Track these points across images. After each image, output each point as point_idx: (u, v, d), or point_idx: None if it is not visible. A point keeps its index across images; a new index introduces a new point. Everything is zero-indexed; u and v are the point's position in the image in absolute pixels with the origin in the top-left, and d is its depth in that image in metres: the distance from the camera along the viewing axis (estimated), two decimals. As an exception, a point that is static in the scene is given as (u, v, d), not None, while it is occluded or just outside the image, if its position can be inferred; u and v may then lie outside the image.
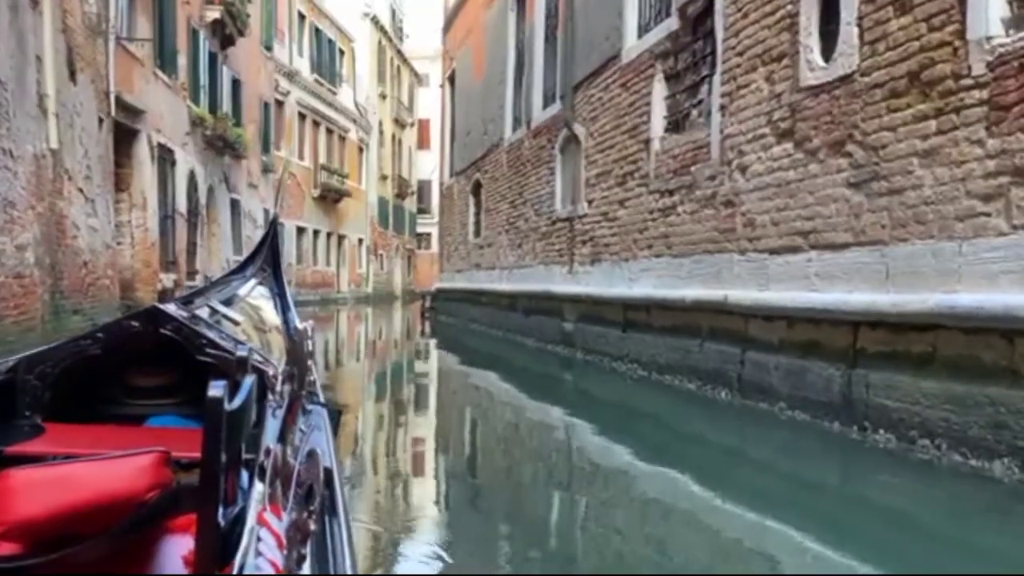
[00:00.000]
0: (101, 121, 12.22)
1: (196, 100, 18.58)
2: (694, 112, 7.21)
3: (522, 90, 12.82)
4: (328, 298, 30.72)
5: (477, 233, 16.08)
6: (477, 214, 16.15)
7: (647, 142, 7.93)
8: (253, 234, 24.09)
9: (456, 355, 13.13)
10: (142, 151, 14.81)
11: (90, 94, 11.46)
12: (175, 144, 16.70)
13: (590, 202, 9.51)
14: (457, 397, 9.38)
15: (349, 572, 1.44)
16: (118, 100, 13.12)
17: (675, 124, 7.57)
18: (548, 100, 11.56)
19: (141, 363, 2.26)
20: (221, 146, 20.33)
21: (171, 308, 2.20)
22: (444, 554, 3.24)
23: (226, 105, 20.87)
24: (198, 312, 2.40)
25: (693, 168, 6.97)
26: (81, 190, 10.69)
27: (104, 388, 2.25)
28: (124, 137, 14.23)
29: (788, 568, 3.28)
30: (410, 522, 3.87)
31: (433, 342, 16.92)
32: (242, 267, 3.86)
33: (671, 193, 7.37)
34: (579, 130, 9.89)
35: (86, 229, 10.77)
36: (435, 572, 3.05)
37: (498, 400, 8.64)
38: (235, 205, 22.53)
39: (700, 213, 6.83)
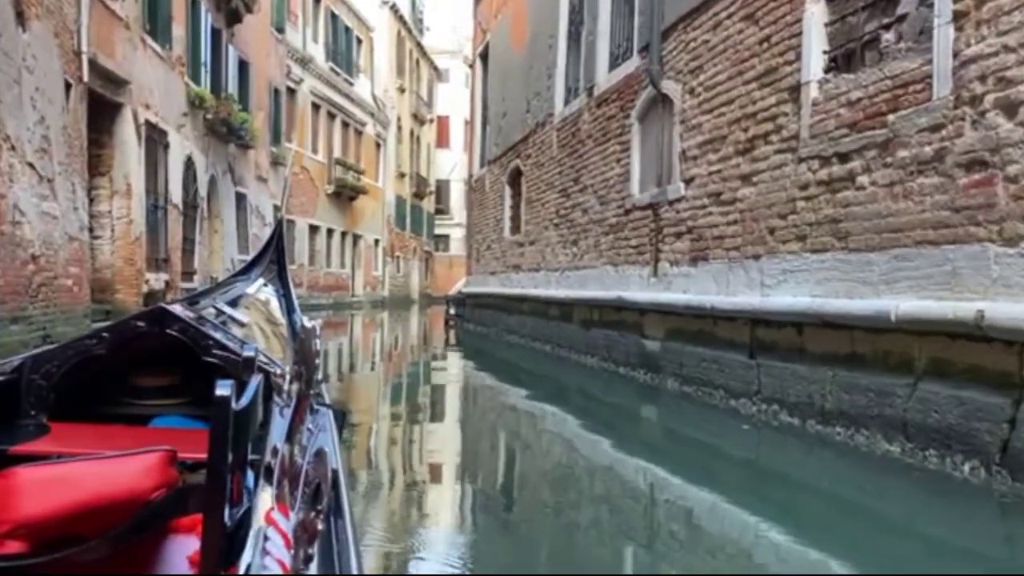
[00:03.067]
0: (69, 86, 10.02)
1: (196, 79, 16.42)
2: (886, 37, 4.87)
3: (580, 52, 10.49)
4: (342, 302, 28.55)
5: (516, 229, 13.75)
6: (515, 207, 13.84)
7: (795, 90, 5.60)
8: (261, 232, 21.97)
9: (489, 372, 10.87)
10: (126, 129, 12.60)
11: (50, 49, 9.26)
12: (169, 125, 14.50)
13: (689, 181, 7.18)
14: (485, 417, 7.84)
15: (354, 572, 1.35)
16: (94, 65, 10.92)
17: (846, 59, 5.23)
18: (619, 58, 9.24)
19: (146, 363, 2.23)
20: (225, 132, 18.14)
21: (177, 309, 2.17)
22: (450, 561, 3.20)
23: (231, 88, 18.70)
24: (204, 313, 2.38)
25: (891, 117, 4.63)
26: (32, 165, 8.46)
27: (109, 388, 2.23)
28: (103, 111, 12.04)
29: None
30: (417, 532, 3.69)
31: (459, 354, 14.69)
32: (248, 268, 3.82)
33: (844, 158, 5.03)
34: (671, 88, 7.57)
35: (37, 215, 8.53)
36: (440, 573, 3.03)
37: (540, 428, 6.75)
38: (241, 199, 20.33)
39: (908, 184, 4.48)
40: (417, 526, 3.83)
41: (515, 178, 13.78)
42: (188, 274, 15.96)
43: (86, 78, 10.64)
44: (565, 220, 10.81)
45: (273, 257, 3.85)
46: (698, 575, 3.16)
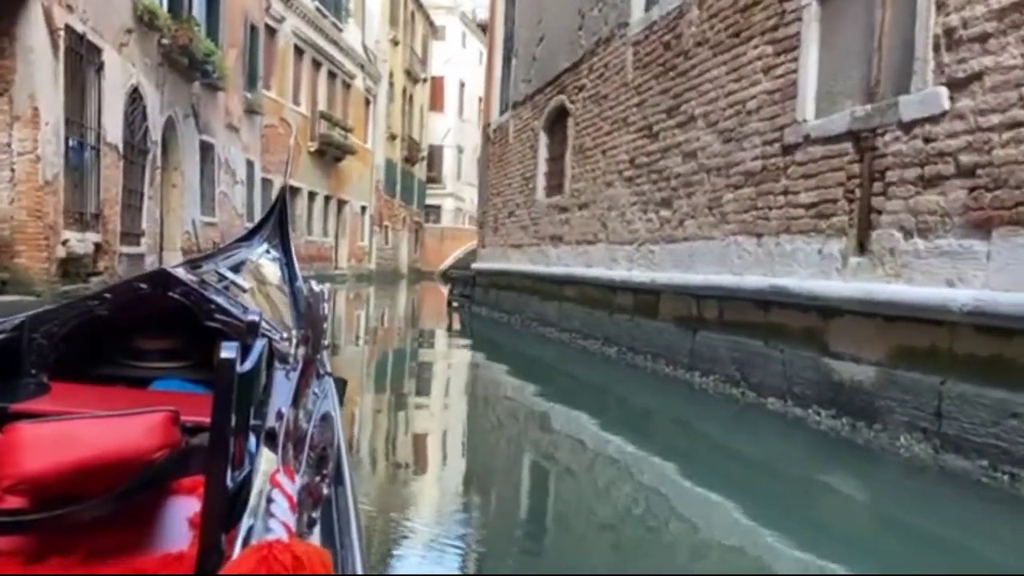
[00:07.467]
0: (-76, -54, 6.70)
1: (147, -9, 13.00)
2: None
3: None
4: (324, 275, 25.14)
5: (556, 188, 10.52)
6: (556, 159, 10.61)
7: None
8: (231, 191, 18.60)
9: (514, 375, 7.78)
10: (34, 32, 9.23)
11: None
12: (104, 40, 11.11)
13: (961, 84, 3.99)
14: (514, 439, 5.51)
15: (355, 539, 1.31)
16: (-24, -71, 7.60)
17: None
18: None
19: (147, 326, 2.24)
20: (187, 65, 14.71)
21: (180, 272, 2.17)
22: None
23: (197, 14, 15.28)
24: (206, 277, 2.38)
25: None
26: None
27: (110, 350, 2.24)
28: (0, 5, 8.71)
29: None
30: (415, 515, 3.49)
31: (470, 347, 11.47)
32: (250, 235, 3.87)
33: None
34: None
35: None
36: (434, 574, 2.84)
37: (619, 469, 4.32)
38: (207, 150, 16.89)
39: None
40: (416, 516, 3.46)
41: (557, 120, 10.53)
42: (132, 236, 12.63)
43: (-41, -58, 7.32)
44: (647, 171, 7.61)
45: (275, 225, 3.90)
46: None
